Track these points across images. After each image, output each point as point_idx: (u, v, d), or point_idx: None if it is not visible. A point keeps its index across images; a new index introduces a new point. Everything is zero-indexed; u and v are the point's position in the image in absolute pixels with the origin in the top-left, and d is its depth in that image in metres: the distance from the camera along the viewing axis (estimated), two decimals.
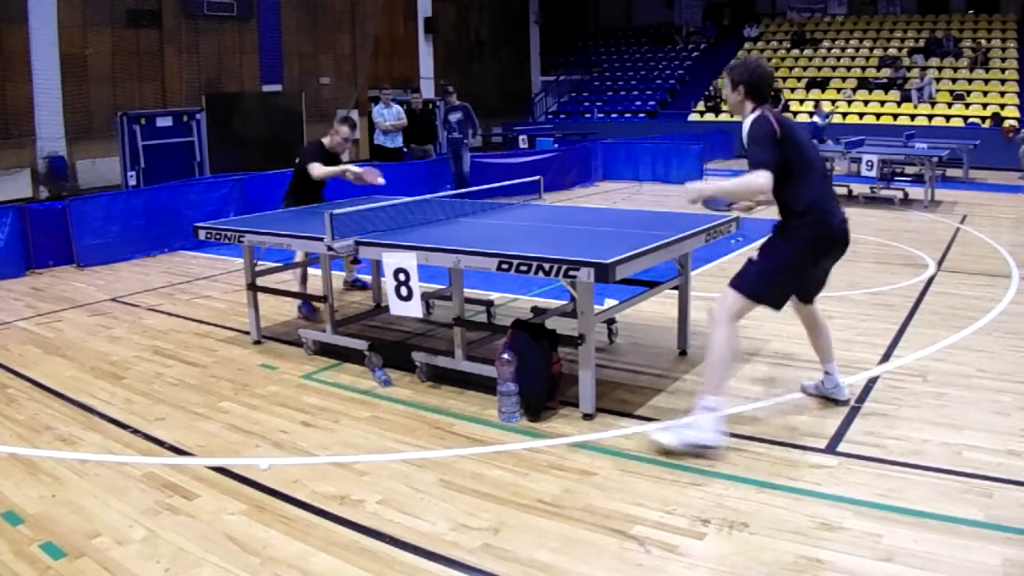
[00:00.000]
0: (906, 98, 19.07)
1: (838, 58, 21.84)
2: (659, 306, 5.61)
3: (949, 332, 5.20)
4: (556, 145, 16.68)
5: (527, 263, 3.82)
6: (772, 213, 3.76)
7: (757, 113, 3.64)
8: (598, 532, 2.99)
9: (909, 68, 20.20)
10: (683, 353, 4.97)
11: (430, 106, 17.14)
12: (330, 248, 4.45)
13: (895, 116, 18.74)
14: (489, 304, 5.72)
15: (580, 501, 3.22)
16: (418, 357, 4.65)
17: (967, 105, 18.53)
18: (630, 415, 4.06)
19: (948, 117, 18.23)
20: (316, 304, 5.84)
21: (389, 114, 11.96)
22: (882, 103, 19.41)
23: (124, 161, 12.22)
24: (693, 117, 21.27)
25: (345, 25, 18.71)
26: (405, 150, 12.46)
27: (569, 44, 26.48)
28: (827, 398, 4.11)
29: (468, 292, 5.02)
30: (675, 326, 5.03)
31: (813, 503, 3.13)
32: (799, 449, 3.62)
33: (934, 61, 20.27)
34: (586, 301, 3.92)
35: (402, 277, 4.20)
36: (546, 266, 3.76)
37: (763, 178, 3.43)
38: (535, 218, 5.35)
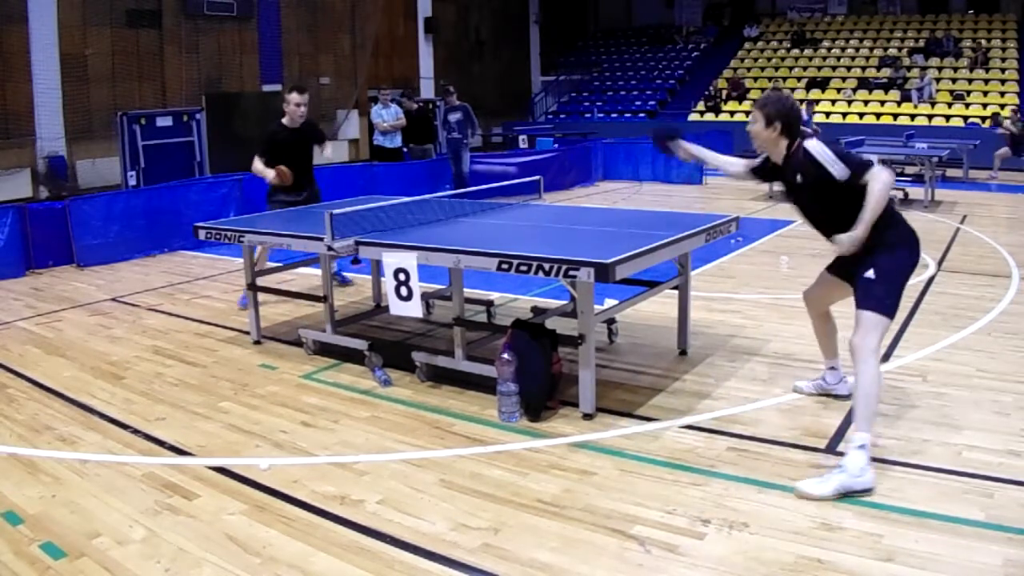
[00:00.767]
0: (906, 98, 19.07)
1: (838, 58, 21.84)
2: (659, 306, 5.61)
3: (949, 332, 5.20)
4: (556, 145, 16.69)
5: (527, 263, 3.82)
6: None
7: (810, 142, 3.58)
8: (598, 532, 2.99)
9: (909, 68, 20.19)
10: (683, 353, 4.97)
11: (430, 106, 17.16)
12: (330, 248, 4.45)
13: (895, 116, 18.74)
14: (489, 304, 5.72)
15: (580, 501, 3.22)
16: (418, 357, 4.65)
17: (967, 105, 18.53)
18: (630, 415, 4.06)
19: (948, 117, 18.23)
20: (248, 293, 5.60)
21: (387, 114, 11.96)
22: (882, 103, 19.41)
23: (124, 161, 12.21)
24: (693, 117, 21.27)
25: (345, 25, 18.71)
26: (405, 150, 12.46)
27: (569, 44, 26.48)
28: (828, 395, 4.11)
29: (468, 292, 5.02)
30: (675, 326, 5.03)
31: (813, 503, 3.13)
32: (799, 449, 3.62)
33: (934, 61, 20.27)
34: (586, 301, 3.92)
35: (402, 277, 4.20)
36: (546, 266, 3.76)
37: (884, 174, 3.38)
38: (535, 218, 5.35)
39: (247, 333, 5.61)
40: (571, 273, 3.71)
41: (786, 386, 4.35)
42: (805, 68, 21.91)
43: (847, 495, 3.17)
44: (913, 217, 10.37)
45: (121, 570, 2.81)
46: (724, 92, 21.79)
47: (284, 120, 6.40)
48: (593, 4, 27.94)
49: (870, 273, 3.50)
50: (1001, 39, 20.38)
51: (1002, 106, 17.94)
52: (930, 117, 18.34)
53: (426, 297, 5.31)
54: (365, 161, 15.40)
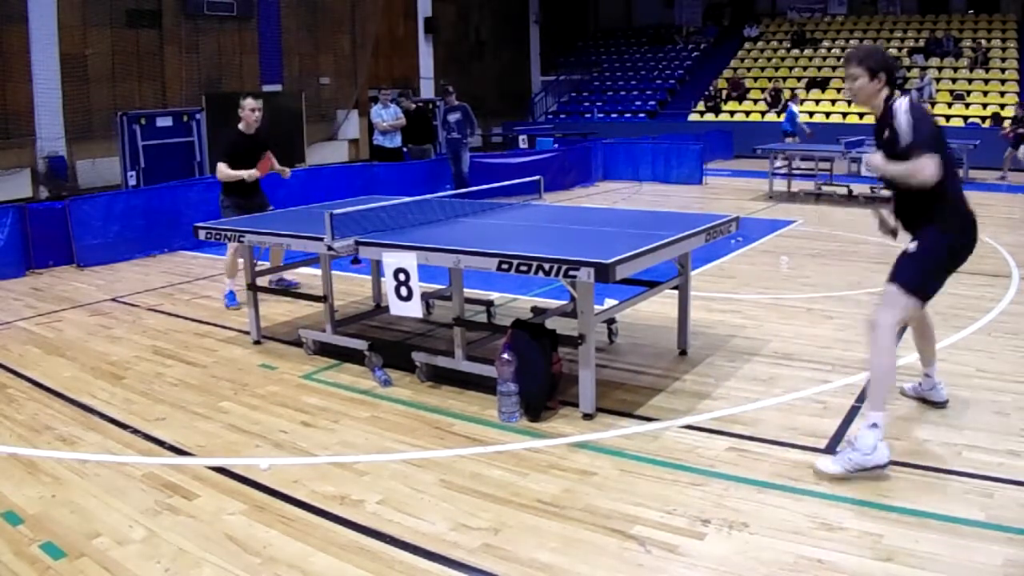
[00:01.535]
0: None
1: (838, 58, 21.81)
2: (659, 306, 5.61)
3: (949, 332, 5.20)
4: (556, 145, 16.69)
5: (527, 263, 3.82)
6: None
7: (906, 98, 3.50)
8: (598, 532, 2.99)
9: (909, 68, 20.20)
10: (683, 353, 4.97)
11: (429, 106, 17.15)
12: (330, 248, 4.45)
13: None
14: (489, 304, 5.71)
15: (580, 501, 3.22)
16: (418, 357, 4.65)
17: (967, 105, 18.54)
18: (630, 415, 4.06)
19: (948, 117, 18.22)
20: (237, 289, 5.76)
21: (387, 114, 11.96)
22: None
23: (124, 161, 12.22)
24: (693, 117, 21.29)
25: (345, 25, 18.71)
26: (405, 150, 12.46)
27: (569, 44, 26.49)
28: (924, 400, 4.07)
29: (468, 292, 5.01)
30: (675, 326, 5.03)
31: (813, 503, 3.13)
32: (799, 449, 3.62)
33: (934, 61, 20.28)
34: (586, 301, 3.92)
35: (402, 277, 4.20)
36: (546, 266, 3.76)
37: (934, 165, 3.29)
38: (535, 218, 5.35)
39: (247, 333, 5.61)
40: (571, 273, 3.71)
41: (786, 386, 4.36)
42: (805, 68, 21.91)
43: (861, 471, 3.25)
44: None
45: (121, 570, 2.81)
46: (724, 92, 21.80)
47: (240, 126, 6.52)
48: (593, 4, 27.94)
49: (912, 246, 3.52)
50: (1001, 39, 20.38)
51: (1002, 106, 17.95)
52: None
53: (426, 297, 5.31)
54: (365, 161, 15.40)
